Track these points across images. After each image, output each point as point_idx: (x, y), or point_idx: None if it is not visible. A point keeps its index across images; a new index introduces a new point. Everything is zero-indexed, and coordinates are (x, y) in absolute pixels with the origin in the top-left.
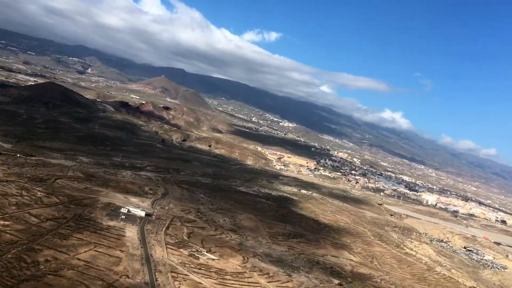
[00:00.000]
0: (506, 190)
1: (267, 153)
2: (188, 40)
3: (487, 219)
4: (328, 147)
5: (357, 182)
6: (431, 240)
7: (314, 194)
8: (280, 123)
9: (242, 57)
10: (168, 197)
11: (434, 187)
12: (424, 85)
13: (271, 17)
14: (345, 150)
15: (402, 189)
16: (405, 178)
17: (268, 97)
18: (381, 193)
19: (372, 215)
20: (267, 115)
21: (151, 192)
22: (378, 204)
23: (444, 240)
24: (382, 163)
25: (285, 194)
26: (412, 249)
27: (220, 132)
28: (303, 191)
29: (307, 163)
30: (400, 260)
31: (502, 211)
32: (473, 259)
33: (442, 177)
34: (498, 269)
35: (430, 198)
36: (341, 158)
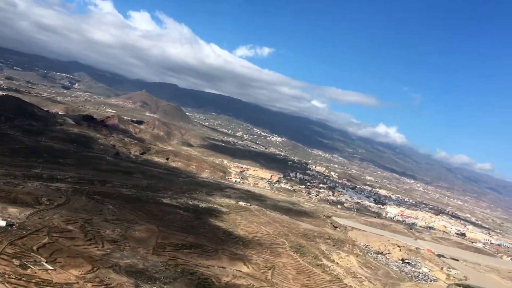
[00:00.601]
0: (496, 205)
1: (231, 166)
2: (178, 55)
3: (446, 232)
4: (307, 161)
5: (317, 195)
6: (368, 252)
7: (252, 206)
8: (268, 138)
9: (231, 72)
10: (63, 207)
11: (410, 200)
12: (413, 98)
13: (263, 32)
14: (325, 164)
15: (367, 202)
16: (383, 192)
17: (261, 112)
18: (339, 206)
19: (308, 227)
20: (255, 129)
21: (47, 202)
22: (326, 217)
23: (383, 252)
24: (368, 177)
25: (214, 206)
26: (333, 261)
27: (190, 146)
28: (241, 203)
29: (271, 176)
30: (301, 271)
31: (476, 224)
32: (404, 271)
33: (429, 191)
34: (428, 281)
35: (392, 211)
36: (317, 171)
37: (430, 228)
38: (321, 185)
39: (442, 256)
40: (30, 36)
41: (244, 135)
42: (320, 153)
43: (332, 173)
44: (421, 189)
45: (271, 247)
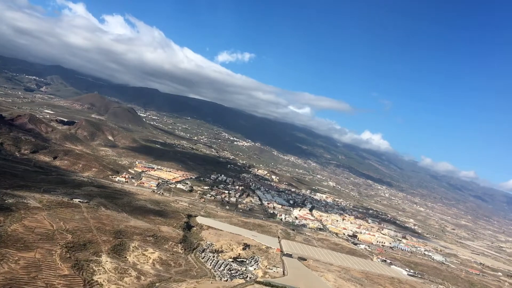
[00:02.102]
0: (470, 213)
1: (140, 166)
2: (154, 60)
3: (339, 234)
4: (249, 164)
5: (211, 196)
6: (202, 251)
7: (86, 204)
8: (235, 142)
9: (206, 77)
10: None
11: (348, 204)
12: (383, 105)
13: (238, 38)
14: (267, 168)
15: (275, 204)
16: (323, 196)
17: (243, 117)
18: (227, 207)
19: (138, 225)
20: (225, 134)
21: None
22: (187, 216)
23: (222, 250)
24: (330, 183)
25: (26, 201)
26: (124, 257)
27: (114, 147)
28: (75, 200)
29: (174, 177)
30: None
31: (413, 231)
32: (220, 269)
33: (393, 198)
34: (237, 277)
35: (296, 213)
36: (258, 175)
37: (321, 229)
38: (236, 187)
39: (290, 255)
40: (10, 40)
41: (204, 139)
42: (292, 159)
43: (273, 177)
44: (387, 195)
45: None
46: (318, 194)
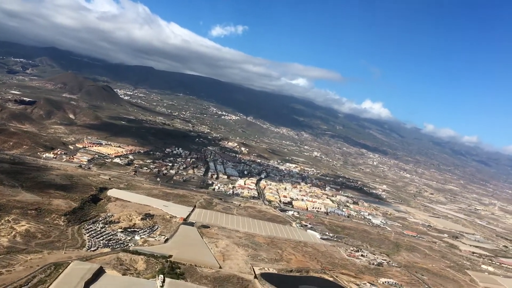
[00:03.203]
0: (467, 180)
1: (86, 143)
2: (142, 37)
3: (270, 202)
4: (221, 137)
5: (149, 169)
6: (94, 222)
7: None
8: (222, 117)
9: (194, 52)
10: None
11: (317, 173)
12: (372, 72)
13: (230, 11)
14: (239, 140)
15: (221, 175)
16: (289, 166)
17: (239, 92)
18: (158, 179)
19: (23, 199)
20: (213, 109)
21: None
22: (97, 189)
23: (119, 221)
24: (314, 153)
25: None
26: None
27: (72, 124)
28: None
29: (115, 153)
30: None
31: (378, 197)
32: (99, 239)
33: (381, 165)
34: (115, 246)
35: (239, 182)
36: (227, 147)
37: (255, 198)
38: (188, 159)
39: (192, 224)
40: (1, 23)
41: (188, 114)
42: (284, 131)
43: (243, 149)
44: (375, 163)
45: None
46: (287, 164)
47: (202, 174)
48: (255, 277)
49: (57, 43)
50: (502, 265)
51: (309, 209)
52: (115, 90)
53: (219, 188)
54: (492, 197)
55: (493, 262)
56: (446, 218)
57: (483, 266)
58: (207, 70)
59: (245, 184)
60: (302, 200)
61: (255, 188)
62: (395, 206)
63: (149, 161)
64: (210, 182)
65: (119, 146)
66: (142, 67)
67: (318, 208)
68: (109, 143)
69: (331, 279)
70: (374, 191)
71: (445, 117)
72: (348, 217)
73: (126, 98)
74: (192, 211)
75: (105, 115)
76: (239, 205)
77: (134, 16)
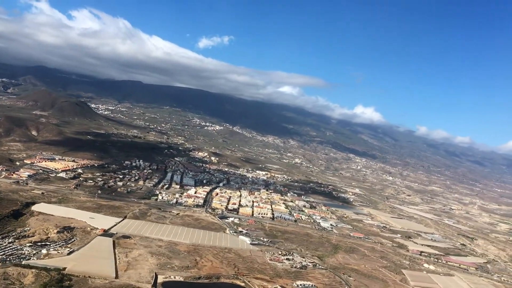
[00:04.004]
0: (456, 180)
1: (37, 158)
2: (126, 52)
3: (214, 209)
4: (193, 148)
5: (95, 182)
6: (4, 238)
7: None
8: (205, 128)
9: (176, 64)
10: None
11: (287, 179)
12: (355, 77)
13: (213, 22)
14: (210, 150)
15: (174, 185)
16: (257, 174)
17: (229, 102)
18: (99, 191)
19: None
20: (196, 120)
21: None
22: (25, 203)
23: (34, 235)
24: (295, 160)
25: None
26: None
27: (31, 141)
28: None
29: (65, 167)
30: None
31: (342, 200)
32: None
33: (364, 169)
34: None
35: (190, 191)
36: (196, 157)
37: (198, 206)
38: (144, 171)
39: (111, 235)
40: None
41: (167, 126)
42: (270, 139)
43: (213, 158)
44: (359, 167)
45: None
46: (257, 172)
47: (153, 185)
48: (154, 285)
49: (44, 62)
50: (448, 263)
51: (254, 215)
52: (98, 105)
53: (163, 198)
54: (476, 197)
55: (438, 260)
56: (410, 219)
57: (425, 265)
58: (195, 82)
59: (195, 193)
60: (252, 206)
61: (203, 196)
62: (358, 209)
63: (98, 174)
64: (157, 193)
65: (73, 161)
66: (130, 82)
67: (264, 213)
68: (63, 158)
69: (242, 284)
70: (342, 195)
71: (437, 118)
72: (295, 221)
73: (106, 113)
74: (120, 222)
75: (72, 130)
76: (177, 214)
77: (115, 31)
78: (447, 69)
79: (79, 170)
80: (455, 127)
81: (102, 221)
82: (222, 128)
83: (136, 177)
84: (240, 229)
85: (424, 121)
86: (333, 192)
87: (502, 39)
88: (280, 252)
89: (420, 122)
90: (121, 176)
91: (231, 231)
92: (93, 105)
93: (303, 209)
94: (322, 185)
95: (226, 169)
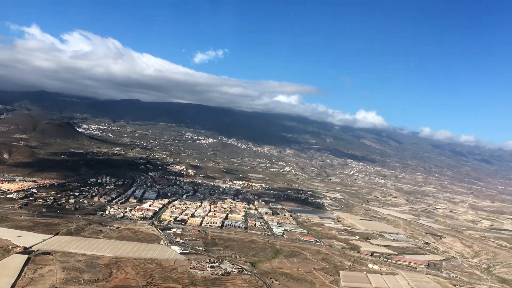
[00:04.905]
0: (456, 180)
1: None
2: (120, 71)
3: (160, 222)
4: (171, 162)
5: (44, 200)
6: None
7: None
8: (197, 141)
9: (168, 80)
10: None
11: (264, 188)
12: (344, 81)
13: (203, 36)
14: (188, 163)
15: (131, 199)
16: (234, 184)
17: (228, 115)
18: (44, 209)
19: None
20: (189, 134)
21: None
22: None
23: None
24: (285, 169)
25: None
26: None
27: (1, 164)
28: None
29: (20, 187)
30: None
31: (316, 205)
32: None
33: (357, 174)
34: None
35: (145, 205)
36: (172, 171)
37: (145, 219)
38: (107, 187)
39: (30, 252)
40: None
41: (156, 142)
42: (266, 149)
43: (190, 171)
44: (352, 172)
45: None
46: (235, 181)
47: (107, 201)
48: None
49: (45, 87)
50: (398, 262)
51: (203, 224)
52: (90, 125)
53: (109, 213)
54: (471, 195)
55: (388, 260)
56: (381, 220)
57: (369, 265)
58: (192, 97)
59: (149, 206)
60: (205, 216)
61: (156, 209)
62: (327, 214)
63: (53, 192)
64: (108, 208)
65: (34, 181)
66: (128, 101)
67: (213, 223)
68: (24, 179)
69: None
70: (318, 201)
71: (440, 118)
72: (245, 229)
73: (96, 132)
74: (48, 239)
75: (48, 151)
76: (118, 228)
77: (105, 51)
78: (446, 68)
79: (34, 190)
80: (459, 126)
81: (29, 239)
82: (214, 141)
83: (94, 194)
84: (178, 239)
85: (427, 122)
86: (309, 198)
87: (502, 34)
88: (208, 260)
89: (423, 123)
90: (76, 194)
91: (165, 242)
92: (85, 126)
93: (263, 216)
94: (301, 192)
95: (200, 181)
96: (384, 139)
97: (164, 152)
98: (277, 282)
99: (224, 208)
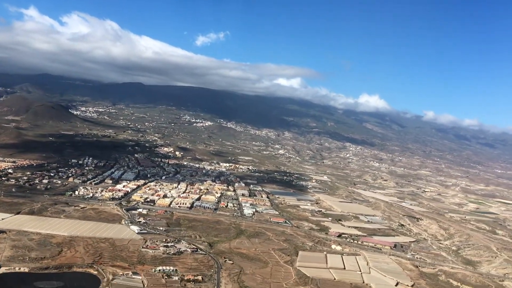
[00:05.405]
0: (455, 163)
1: None
2: (119, 54)
3: (129, 201)
4: (161, 144)
5: (17, 180)
6: None
7: None
8: (194, 124)
9: (167, 63)
10: None
11: (250, 170)
12: (344, 65)
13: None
14: (176, 145)
15: (107, 180)
16: (220, 166)
17: (231, 98)
18: (13, 189)
19: None
20: (186, 117)
21: None
22: None
23: None
24: (279, 151)
25: None
26: None
27: None
28: None
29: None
30: None
31: (298, 188)
32: None
33: (352, 157)
34: None
35: (119, 186)
36: (159, 152)
37: (114, 199)
38: (87, 168)
39: None
40: None
41: (152, 125)
42: (264, 133)
43: (177, 153)
44: (348, 155)
45: None
46: (221, 164)
47: (82, 181)
48: None
49: (49, 70)
50: (364, 243)
51: (172, 205)
52: (88, 108)
53: (79, 193)
54: (467, 178)
55: (354, 241)
56: (361, 203)
57: (333, 246)
58: (195, 80)
59: (123, 187)
60: (178, 197)
61: (127, 190)
62: (308, 196)
63: (29, 173)
64: (81, 188)
65: (14, 162)
66: (131, 84)
67: (183, 203)
68: (4, 159)
69: (95, 272)
70: (302, 183)
71: (443, 102)
72: (215, 210)
73: (93, 115)
74: (7, 218)
75: (37, 133)
76: (83, 208)
77: (103, 33)
78: (449, 51)
79: (9, 170)
80: (462, 110)
81: None
82: (212, 123)
83: (70, 174)
84: (141, 219)
85: (430, 105)
86: (294, 181)
87: (506, 17)
88: (164, 240)
89: (427, 107)
90: (52, 174)
91: (126, 222)
92: (83, 108)
93: (239, 197)
94: (288, 174)
95: (186, 163)
96: (387, 123)
97: (157, 135)
98: (230, 262)
99: (201, 190)
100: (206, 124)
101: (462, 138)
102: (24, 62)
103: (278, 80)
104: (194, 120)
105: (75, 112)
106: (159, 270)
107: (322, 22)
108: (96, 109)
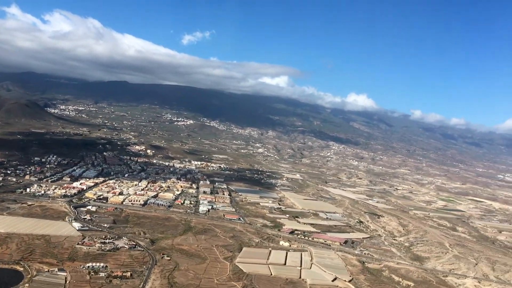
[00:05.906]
0: (437, 163)
1: None
2: (102, 52)
3: (81, 199)
4: (132, 142)
5: None
6: None
7: None
8: (175, 123)
9: (150, 61)
10: None
11: (222, 168)
12: (326, 63)
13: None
14: (147, 144)
15: (65, 178)
16: (190, 164)
17: (218, 97)
18: None
19: None
20: (168, 116)
21: None
22: None
23: None
24: (259, 150)
25: None
26: None
27: None
28: None
29: None
30: None
31: (266, 186)
32: None
33: (332, 156)
34: None
35: (76, 183)
36: (130, 151)
37: (65, 196)
38: (48, 165)
39: None
40: None
41: (130, 123)
42: (247, 132)
43: (148, 151)
44: (328, 154)
45: None
46: (194, 162)
47: (38, 179)
48: None
49: (33, 68)
50: (315, 239)
51: (125, 202)
52: (68, 106)
53: (30, 190)
54: (445, 177)
55: (304, 238)
56: (326, 200)
57: (281, 242)
58: (181, 79)
59: (80, 185)
60: (134, 194)
61: (82, 188)
62: (273, 194)
63: None
64: (35, 186)
65: None
66: (116, 82)
67: (136, 201)
68: None
69: (21, 269)
70: (272, 181)
71: (430, 101)
72: (169, 207)
73: (71, 113)
74: None
75: (6, 131)
76: (31, 205)
77: (85, 31)
78: (437, 50)
79: None
80: (449, 109)
81: None
82: (193, 122)
83: (27, 172)
84: (87, 216)
85: (417, 104)
86: (264, 179)
87: (493, 16)
88: (104, 237)
89: (414, 106)
90: (9, 172)
91: (69, 219)
92: (62, 106)
93: (199, 195)
94: (259, 172)
95: (155, 161)
96: (375, 122)
97: (132, 133)
98: (168, 258)
99: (162, 187)
100: (188, 123)
101: (449, 137)
102: (7, 60)
103: (264, 79)
104: (175, 119)
105: (52, 110)
106: (88, 266)
107: (307, 21)
108: (76, 108)
